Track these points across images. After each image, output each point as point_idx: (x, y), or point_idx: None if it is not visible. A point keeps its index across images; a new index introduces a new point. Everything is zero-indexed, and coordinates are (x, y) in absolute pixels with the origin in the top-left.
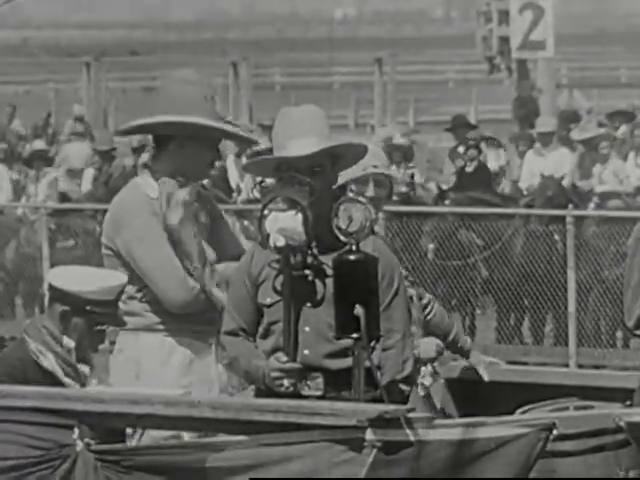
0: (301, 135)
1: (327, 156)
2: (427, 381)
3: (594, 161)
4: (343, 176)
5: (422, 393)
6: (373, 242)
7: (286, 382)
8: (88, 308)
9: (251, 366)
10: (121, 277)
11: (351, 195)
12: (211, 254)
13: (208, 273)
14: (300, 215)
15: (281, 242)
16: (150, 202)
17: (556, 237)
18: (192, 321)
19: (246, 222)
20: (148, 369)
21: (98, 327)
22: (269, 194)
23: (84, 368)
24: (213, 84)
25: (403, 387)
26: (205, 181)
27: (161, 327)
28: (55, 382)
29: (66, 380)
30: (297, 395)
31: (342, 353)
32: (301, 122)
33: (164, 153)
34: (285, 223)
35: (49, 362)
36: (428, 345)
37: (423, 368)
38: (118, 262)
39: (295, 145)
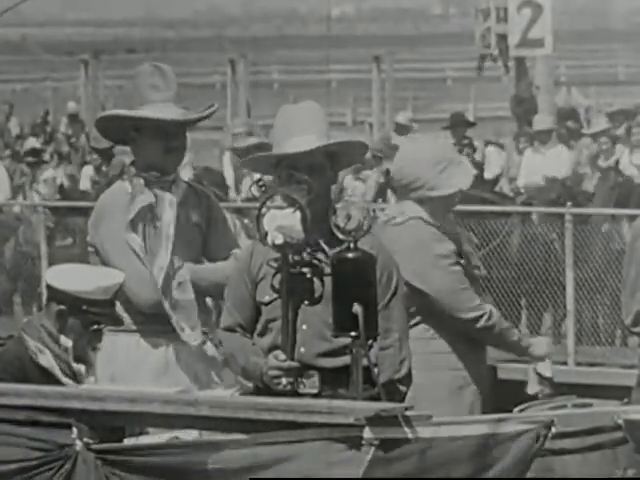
0: (300, 132)
1: (326, 154)
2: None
3: (604, 157)
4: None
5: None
6: (371, 241)
7: (284, 380)
8: (84, 307)
9: (248, 363)
10: (118, 276)
11: (347, 198)
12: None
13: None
14: (298, 213)
15: (279, 240)
16: (128, 200)
17: (554, 235)
18: (170, 322)
19: (246, 220)
20: (122, 371)
21: (95, 326)
22: (267, 192)
23: (80, 367)
24: (168, 72)
25: (400, 387)
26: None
27: (137, 328)
28: (53, 381)
29: (64, 379)
30: (295, 393)
31: (339, 351)
32: (300, 119)
33: (133, 150)
34: (283, 221)
35: (47, 360)
36: (541, 342)
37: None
38: (99, 260)
39: (293, 142)
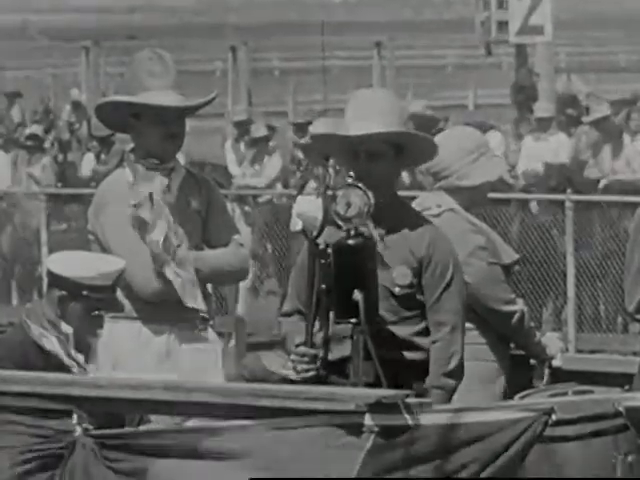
0: (365, 117)
1: (389, 143)
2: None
3: (609, 146)
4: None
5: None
6: (430, 231)
7: (298, 367)
8: (85, 293)
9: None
10: (119, 262)
11: (349, 180)
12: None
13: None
14: (320, 200)
15: (299, 227)
16: (128, 188)
17: (550, 221)
18: (174, 309)
19: (247, 207)
20: (123, 358)
21: (96, 312)
22: (301, 178)
23: (79, 357)
24: (166, 59)
25: (448, 381)
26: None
27: (139, 315)
28: (56, 366)
29: (69, 361)
30: (316, 380)
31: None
32: (369, 104)
33: (132, 137)
34: (304, 207)
35: (52, 344)
36: (552, 340)
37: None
38: (99, 248)
39: (356, 125)
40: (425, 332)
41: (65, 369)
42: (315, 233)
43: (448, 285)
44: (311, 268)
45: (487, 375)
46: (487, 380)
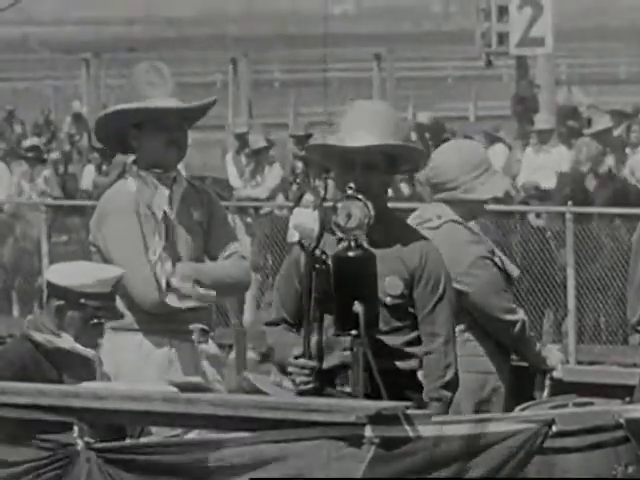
0: (361, 128)
1: (383, 154)
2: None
3: (612, 157)
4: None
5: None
6: (422, 243)
7: (297, 379)
8: (83, 301)
9: (285, 359)
10: (116, 269)
11: (350, 191)
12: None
13: (168, 269)
14: (316, 212)
15: (295, 238)
16: (131, 199)
17: (549, 233)
18: (176, 320)
19: (249, 219)
20: (125, 370)
21: (95, 321)
22: (298, 190)
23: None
24: (164, 70)
25: (444, 392)
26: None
27: (141, 327)
28: (55, 380)
29: (87, 351)
30: (315, 392)
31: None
32: (366, 115)
33: (135, 147)
34: (301, 219)
35: (68, 342)
36: (553, 352)
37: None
38: (101, 259)
39: (353, 136)
40: (416, 342)
41: (62, 381)
42: (312, 245)
43: (441, 297)
44: (308, 280)
45: (489, 387)
46: (490, 392)
